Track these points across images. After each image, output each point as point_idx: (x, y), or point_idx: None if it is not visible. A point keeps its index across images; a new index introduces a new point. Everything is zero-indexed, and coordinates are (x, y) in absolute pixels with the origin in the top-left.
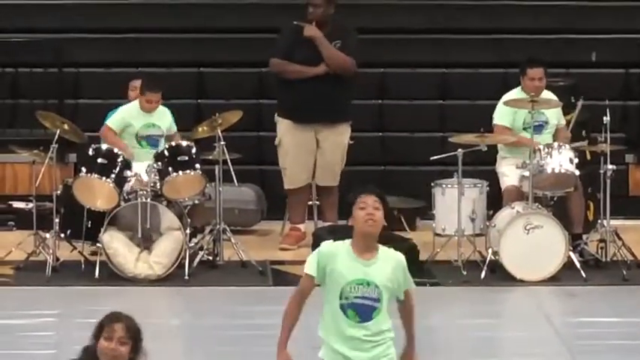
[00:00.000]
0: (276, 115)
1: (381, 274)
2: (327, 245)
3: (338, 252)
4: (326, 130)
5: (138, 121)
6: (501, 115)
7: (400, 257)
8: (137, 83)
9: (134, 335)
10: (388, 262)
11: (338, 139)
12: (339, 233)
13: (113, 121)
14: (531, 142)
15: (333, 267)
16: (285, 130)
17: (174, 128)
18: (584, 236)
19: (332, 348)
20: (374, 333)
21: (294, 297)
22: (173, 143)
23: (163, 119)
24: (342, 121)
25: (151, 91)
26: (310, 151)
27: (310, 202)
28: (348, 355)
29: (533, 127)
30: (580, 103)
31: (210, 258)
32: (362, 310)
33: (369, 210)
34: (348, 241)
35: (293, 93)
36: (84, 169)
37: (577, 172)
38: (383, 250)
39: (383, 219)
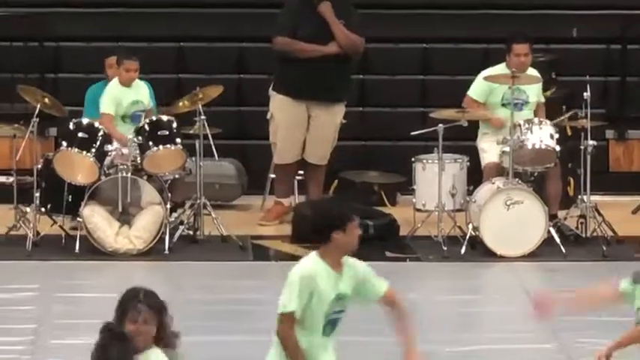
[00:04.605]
0: (270, 89)
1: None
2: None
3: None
4: (319, 109)
5: (125, 100)
6: (474, 88)
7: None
8: (112, 60)
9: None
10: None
11: (331, 118)
12: (319, 207)
13: (107, 106)
14: (501, 125)
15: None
16: (278, 105)
17: (152, 104)
18: (564, 212)
19: None
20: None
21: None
22: (154, 118)
23: (144, 93)
24: (339, 100)
25: (128, 58)
26: (302, 128)
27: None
28: None
29: (513, 104)
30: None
31: (191, 232)
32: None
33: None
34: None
35: (296, 70)
36: (64, 143)
37: (557, 148)
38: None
39: None
